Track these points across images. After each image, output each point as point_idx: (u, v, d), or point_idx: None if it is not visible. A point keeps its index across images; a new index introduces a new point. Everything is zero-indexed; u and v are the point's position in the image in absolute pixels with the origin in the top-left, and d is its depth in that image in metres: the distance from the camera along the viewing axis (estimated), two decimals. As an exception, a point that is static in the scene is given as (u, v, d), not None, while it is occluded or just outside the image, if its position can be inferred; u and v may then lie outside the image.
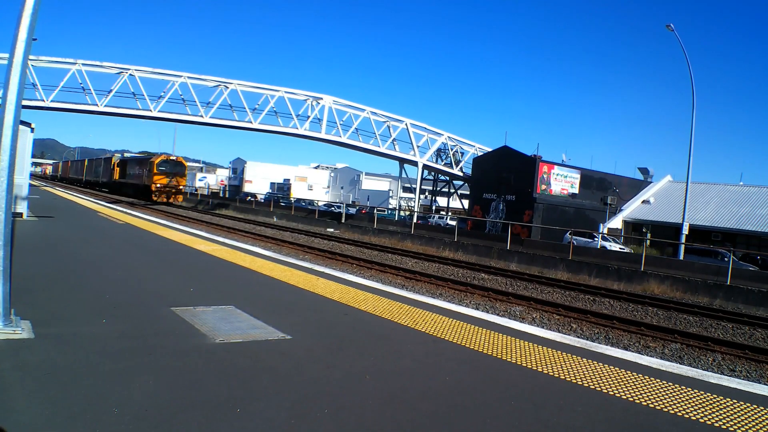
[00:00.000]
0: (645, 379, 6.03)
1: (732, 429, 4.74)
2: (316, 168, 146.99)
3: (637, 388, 5.70)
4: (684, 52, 32.87)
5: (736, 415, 5.08)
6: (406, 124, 61.03)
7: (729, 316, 15.08)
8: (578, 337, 10.56)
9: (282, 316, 7.72)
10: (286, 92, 55.19)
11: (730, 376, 8.65)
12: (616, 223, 54.85)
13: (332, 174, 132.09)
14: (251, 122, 54.19)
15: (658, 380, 6.01)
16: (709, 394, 5.64)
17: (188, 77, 51.65)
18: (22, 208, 18.28)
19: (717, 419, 4.95)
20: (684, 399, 5.45)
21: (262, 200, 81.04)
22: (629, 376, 6.08)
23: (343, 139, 57.37)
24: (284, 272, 11.51)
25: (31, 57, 8.05)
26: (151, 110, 50.92)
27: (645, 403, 5.25)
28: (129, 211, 30.59)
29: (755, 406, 5.36)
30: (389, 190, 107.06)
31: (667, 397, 5.48)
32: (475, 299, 15.12)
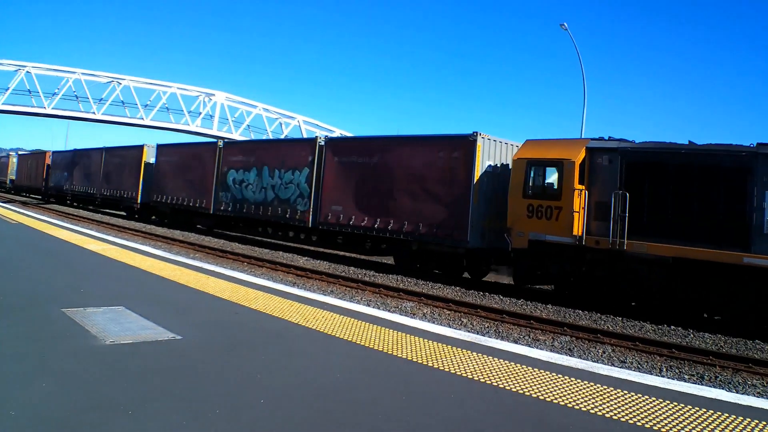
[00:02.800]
0: (536, 371, 6.03)
1: (623, 419, 4.73)
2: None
3: (528, 380, 5.69)
4: (577, 50, 33.87)
5: (626, 406, 5.08)
6: (298, 121, 61.22)
7: (619, 309, 15.39)
8: (469, 331, 10.59)
9: (172, 316, 7.59)
10: (179, 88, 55.42)
11: (620, 367, 8.88)
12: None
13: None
14: (143, 118, 54.13)
15: (549, 372, 6.02)
16: (599, 386, 5.65)
17: (82, 73, 51.94)
18: None
19: (608, 410, 4.93)
20: (575, 390, 5.45)
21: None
22: (520, 369, 6.08)
23: (235, 136, 56.97)
24: (174, 271, 11.41)
25: None
26: (45, 107, 50.75)
27: (536, 396, 5.23)
28: (22, 210, 29.47)
29: (646, 397, 5.39)
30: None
31: (558, 388, 5.48)
32: (367, 296, 14.97)
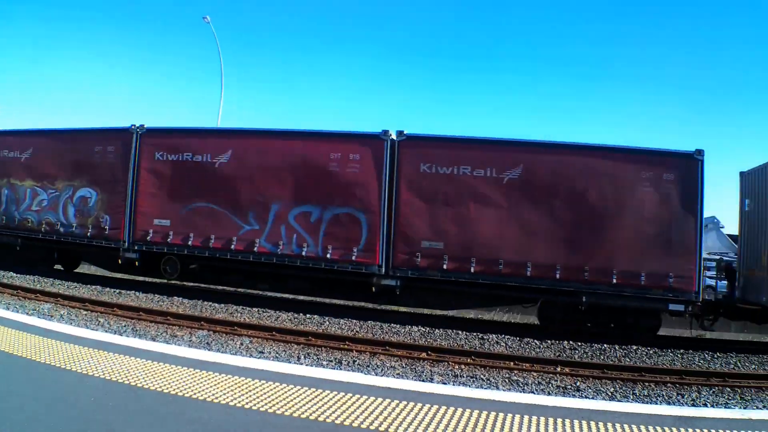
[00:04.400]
0: (174, 368, 6.22)
1: (262, 409, 5.13)
2: None
3: (166, 377, 5.86)
4: (217, 43, 32.95)
5: (264, 395, 5.50)
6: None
7: (256, 301, 16.02)
8: (106, 331, 10.41)
9: None
10: None
11: (258, 357, 9.39)
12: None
13: None
14: None
15: (187, 368, 6.25)
16: (237, 378, 6.02)
17: None
18: None
19: (246, 401, 5.30)
20: (213, 384, 5.74)
21: None
22: (159, 367, 6.23)
23: None
24: None
25: None
26: None
27: (175, 392, 5.42)
28: None
29: (284, 385, 5.86)
30: None
31: (196, 384, 5.72)
32: (6, 299, 13.74)
